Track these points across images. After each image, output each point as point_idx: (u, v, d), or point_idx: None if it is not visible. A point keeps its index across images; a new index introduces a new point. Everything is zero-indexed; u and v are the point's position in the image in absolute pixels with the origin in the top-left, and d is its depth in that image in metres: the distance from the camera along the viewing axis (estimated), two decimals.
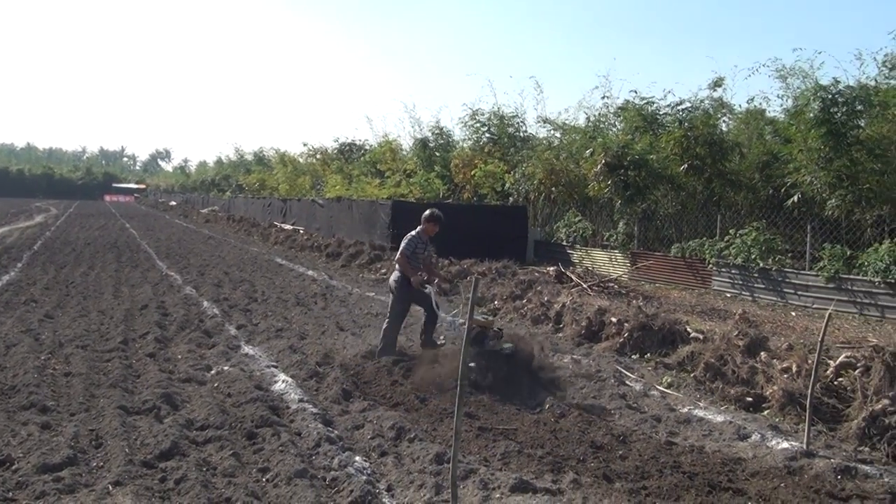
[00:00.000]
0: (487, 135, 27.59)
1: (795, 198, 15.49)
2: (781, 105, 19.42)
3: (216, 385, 7.08)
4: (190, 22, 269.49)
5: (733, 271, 15.51)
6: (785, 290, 14.41)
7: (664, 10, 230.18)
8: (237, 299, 12.67)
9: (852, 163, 14.37)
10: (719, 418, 6.55)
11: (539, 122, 27.65)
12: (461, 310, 8.14)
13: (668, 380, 7.89)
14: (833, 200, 14.63)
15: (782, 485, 5.01)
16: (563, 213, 21.74)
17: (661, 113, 20.81)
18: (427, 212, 8.47)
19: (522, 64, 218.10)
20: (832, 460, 5.41)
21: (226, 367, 7.74)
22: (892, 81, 15.26)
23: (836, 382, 6.73)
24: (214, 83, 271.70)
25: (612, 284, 15.31)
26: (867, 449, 5.91)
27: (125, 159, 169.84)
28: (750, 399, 7.08)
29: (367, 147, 36.90)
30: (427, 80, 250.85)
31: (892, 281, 12.46)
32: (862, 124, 14.94)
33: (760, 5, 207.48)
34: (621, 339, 9.19)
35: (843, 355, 6.86)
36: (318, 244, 22.50)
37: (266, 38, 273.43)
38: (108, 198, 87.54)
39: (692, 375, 7.85)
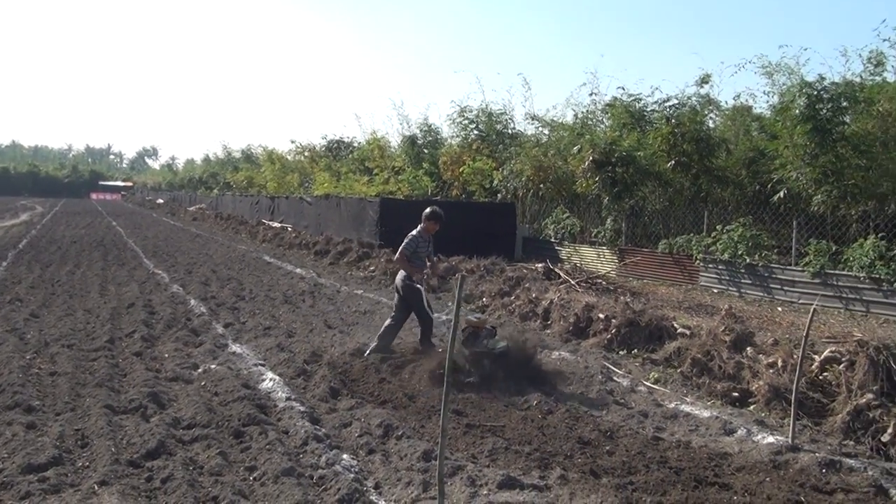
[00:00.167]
0: (476, 132, 27.57)
1: (781, 193, 15.57)
2: (767, 101, 19.58)
3: (203, 384, 7.05)
4: (178, 18, 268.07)
5: (720, 267, 15.60)
6: (771, 285, 14.51)
7: (651, 7, 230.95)
8: (225, 297, 12.62)
9: (837, 159, 14.46)
10: (706, 413, 6.59)
11: (527, 118, 27.66)
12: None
13: (655, 375, 7.92)
14: (819, 196, 14.73)
15: (768, 479, 5.05)
16: (552, 210, 21.77)
17: (648, 110, 20.86)
18: (428, 210, 8.41)
19: (510, 60, 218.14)
20: (817, 454, 5.45)
21: (213, 366, 7.72)
22: (877, 78, 15.36)
23: (821, 377, 6.79)
24: (202, 80, 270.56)
25: (600, 281, 15.35)
26: (851, 443, 5.96)
27: (112, 157, 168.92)
28: (736, 394, 7.13)
29: (356, 144, 36.81)
30: (415, 77, 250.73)
31: (877, 276, 12.56)
32: (847, 120, 15.02)
33: (746, 2, 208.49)
34: (609, 336, 9.22)
35: (828, 350, 6.92)
36: (307, 242, 22.44)
37: (254, 35, 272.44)
38: (94, 196, 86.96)
39: (679, 371, 7.89)
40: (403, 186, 25.80)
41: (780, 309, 13.20)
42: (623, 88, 22.68)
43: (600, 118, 23.79)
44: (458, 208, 20.68)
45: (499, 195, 23.88)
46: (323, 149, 38.75)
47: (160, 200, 68.47)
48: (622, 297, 11.24)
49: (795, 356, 6.58)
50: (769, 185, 16.26)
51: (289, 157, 42.83)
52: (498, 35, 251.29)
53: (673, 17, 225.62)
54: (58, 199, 75.68)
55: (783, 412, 6.55)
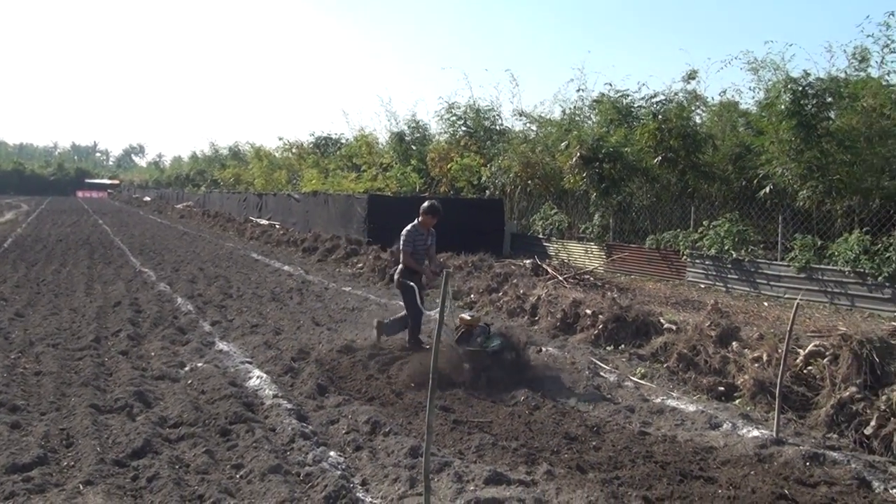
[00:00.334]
0: (464, 128, 27.57)
1: (767, 189, 15.65)
2: (753, 97, 19.65)
3: (190, 382, 7.03)
4: (164, 14, 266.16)
5: (707, 262, 15.68)
6: (757, 280, 14.60)
7: (638, 3, 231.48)
8: (212, 295, 12.58)
9: (822, 154, 14.54)
10: (691, 408, 6.63)
11: (515, 115, 27.70)
12: (448, 306, 8.10)
13: (642, 370, 7.96)
14: (804, 191, 14.81)
15: (752, 472, 5.09)
16: (539, 206, 21.81)
17: (635, 106, 20.89)
18: (426, 203, 8.42)
19: (498, 57, 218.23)
20: (801, 447, 5.50)
21: (200, 364, 7.70)
22: (862, 74, 15.44)
23: (805, 371, 6.84)
24: (189, 77, 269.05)
25: (587, 277, 15.41)
26: (835, 436, 6.02)
27: (98, 154, 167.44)
28: (722, 388, 7.17)
29: (344, 141, 36.69)
30: (403, 73, 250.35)
31: (862, 270, 12.66)
32: (832, 116, 15.11)
33: None
34: (596, 331, 9.26)
35: (813, 344, 6.97)
36: (295, 239, 22.39)
37: (241, 31, 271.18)
38: (80, 194, 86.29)
39: (665, 366, 7.93)
40: (391, 183, 25.77)
41: (766, 304, 13.29)
42: (610, 84, 22.73)
43: (588, 114, 23.82)
44: (446, 205, 20.43)
45: (487, 191, 23.89)
46: (311, 145, 38.63)
47: (147, 198, 68.06)
48: (609, 293, 11.27)
49: (780, 350, 6.63)
50: (755, 181, 16.34)
51: (276, 154, 42.67)
52: (485, 31, 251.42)
53: (660, 14, 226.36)
54: (43, 197, 75.04)
55: (768, 406, 6.60)
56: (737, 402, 6.97)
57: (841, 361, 6.48)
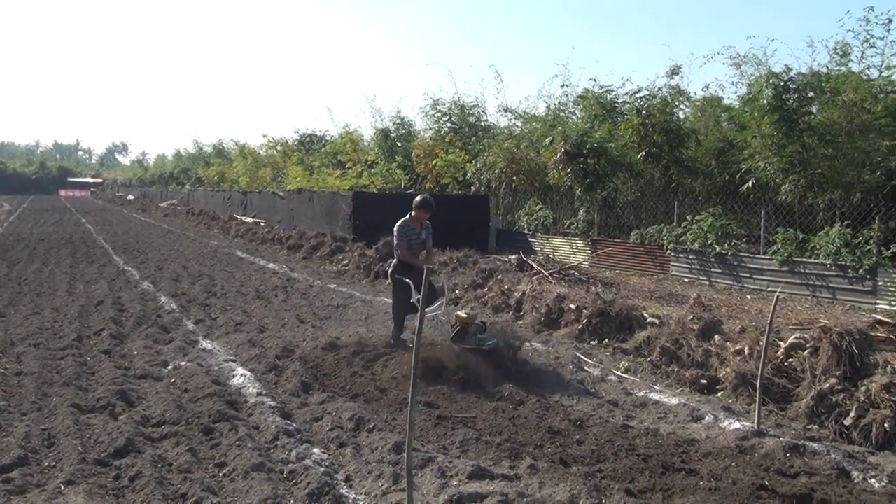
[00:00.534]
0: (448, 124, 27.60)
1: (750, 183, 15.76)
2: (736, 92, 19.75)
3: (173, 381, 7.00)
4: (146, 12, 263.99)
5: (691, 256, 15.77)
6: (741, 273, 14.71)
7: None
8: (196, 294, 12.52)
9: (804, 148, 14.66)
10: (674, 401, 6.68)
11: (500, 110, 27.78)
12: (441, 304, 8.08)
13: (626, 364, 8.01)
14: (786, 185, 14.94)
15: (733, 464, 5.13)
16: (525, 202, 21.86)
17: (619, 101, 20.98)
18: (418, 198, 8.30)
19: (482, 53, 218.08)
20: (782, 439, 5.56)
21: (183, 363, 7.66)
22: (843, 68, 15.56)
23: (786, 363, 6.91)
24: (172, 75, 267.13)
25: (572, 272, 15.43)
26: (815, 427, 6.09)
27: (81, 153, 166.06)
28: (704, 381, 7.23)
29: (328, 138, 36.62)
30: (388, 70, 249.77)
31: (843, 263, 12.78)
32: (813, 110, 15.23)
33: None
34: (580, 326, 9.30)
35: (793, 337, 7.04)
36: (280, 237, 22.31)
37: (224, 28, 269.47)
38: (63, 192, 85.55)
39: (648, 360, 7.98)
40: (377, 180, 25.71)
41: (749, 297, 13.39)
42: (594, 80, 22.79)
43: (572, 110, 23.90)
44: None
45: (472, 187, 23.92)
46: (295, 143, 38.49)
47: (131, 197, 67.52)
48: (594, 288, 11.32)
49: (761, 343, 6.68)
50: (738, 175, 16.45)
51: (261, 152, 42.47)
52: (469, 27, 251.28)
53: (643, 9, 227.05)
54: (25, 196, 74.27)
55: (750, 398, 6.66)
56: (719, 394, 7.03)
57: (821, 353, 6.54)
